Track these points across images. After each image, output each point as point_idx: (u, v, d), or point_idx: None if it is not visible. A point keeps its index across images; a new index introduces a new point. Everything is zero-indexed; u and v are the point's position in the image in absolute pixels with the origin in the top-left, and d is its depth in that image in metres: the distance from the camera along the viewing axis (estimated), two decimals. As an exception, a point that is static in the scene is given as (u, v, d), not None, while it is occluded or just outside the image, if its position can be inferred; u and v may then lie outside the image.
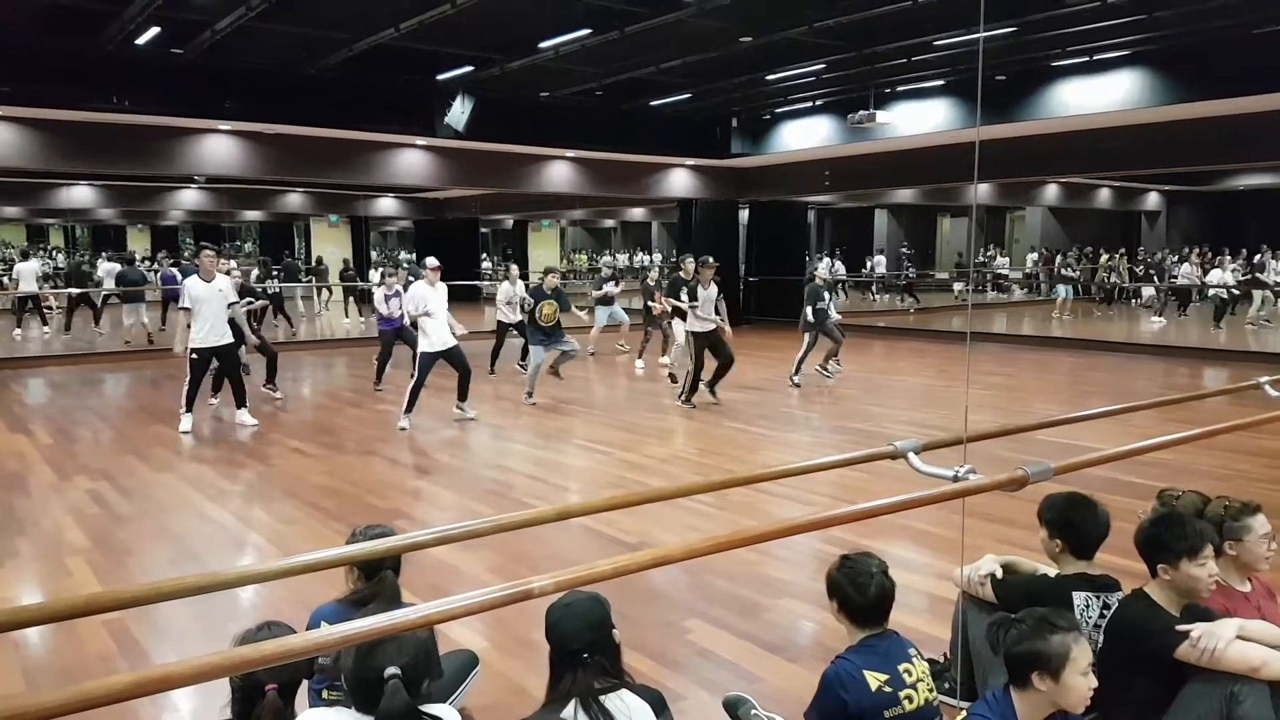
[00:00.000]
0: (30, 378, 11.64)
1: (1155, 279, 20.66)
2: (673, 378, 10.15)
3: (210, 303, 7.66)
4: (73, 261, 21.75)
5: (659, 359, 11.61)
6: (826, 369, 10.25)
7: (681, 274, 9.76)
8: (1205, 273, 19.63)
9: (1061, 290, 19.50)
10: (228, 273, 9.21)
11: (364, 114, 12.55)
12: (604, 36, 9.97)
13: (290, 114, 12.08)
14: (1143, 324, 17.84)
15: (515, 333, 11.10)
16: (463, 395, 8.29)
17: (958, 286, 26.42)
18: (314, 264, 23.36)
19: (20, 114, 11.04)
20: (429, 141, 13.73)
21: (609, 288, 12.72)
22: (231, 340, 7.97)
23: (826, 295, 10.07)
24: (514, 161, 15.19)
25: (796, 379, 9.98)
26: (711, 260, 9.08)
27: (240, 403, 8.15)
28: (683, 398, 8.95)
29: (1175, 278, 19.81)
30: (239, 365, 8.29)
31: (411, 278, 11.00)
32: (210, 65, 11.22)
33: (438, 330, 7.90)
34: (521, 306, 9.59)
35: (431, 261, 8.23)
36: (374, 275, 21.76)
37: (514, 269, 11.68)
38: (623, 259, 32.80)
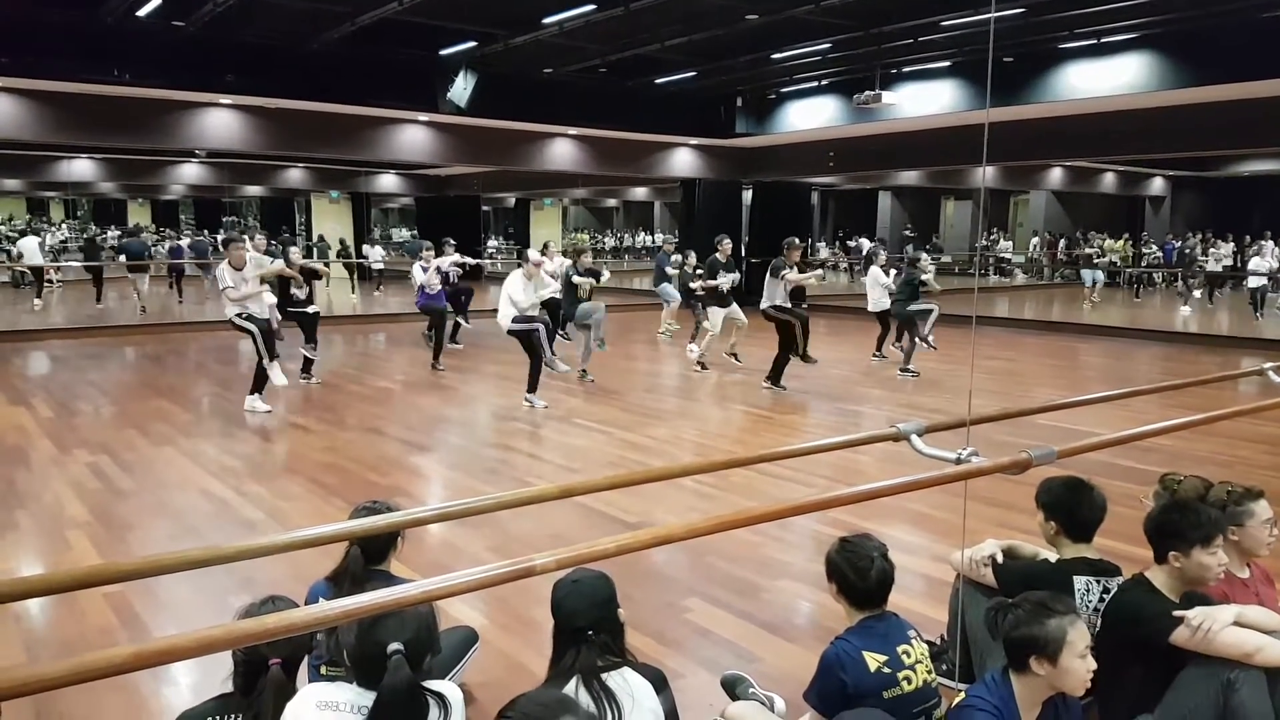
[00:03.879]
0: (31, 351, 11.64)
1: (1188, 265, 20.36)
2: (734, 356, 10.19)
3: (239, 289, 7.67)
4: (86, 236, 21.90)
5: (688, 344, 11.50)
6: (907, 365, 9.85)
7: (719, 255, 9.75)
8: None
9: (1088, 276, 19.11)
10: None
11: (366, 89, 12.47)
12: (609, 12, 9.89)
13: (292, 88, 12.00)
14: (1175, 311, 17.66)
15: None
16: (532, 386, 8.06)
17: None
18: (315, 241, 23.34)
19: (20, 85, 10.97)
20: (431, 118, 13.65)
21: (673, 261, 12.55)
22: (266, 317, 7.99)
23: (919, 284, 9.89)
24: (517, 139, 15.11)
25: (909, 367, 9.90)
26: (798, 241, 9.13)
27: (255, 388, 7.87)
28: (769, 382, 8.86)
29: (1203, 264, 19.64)
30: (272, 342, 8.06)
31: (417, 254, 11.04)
32: (212, 39, 11.14)
33: (516, 311, 7.90)
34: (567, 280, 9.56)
35: (534, 255, 8.37)
36: (370, 251, 21.72)
37: (551, 245, 11.50)
38: (651, 239, 32.29)
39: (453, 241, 11.52)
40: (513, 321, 7.91)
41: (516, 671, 3.17)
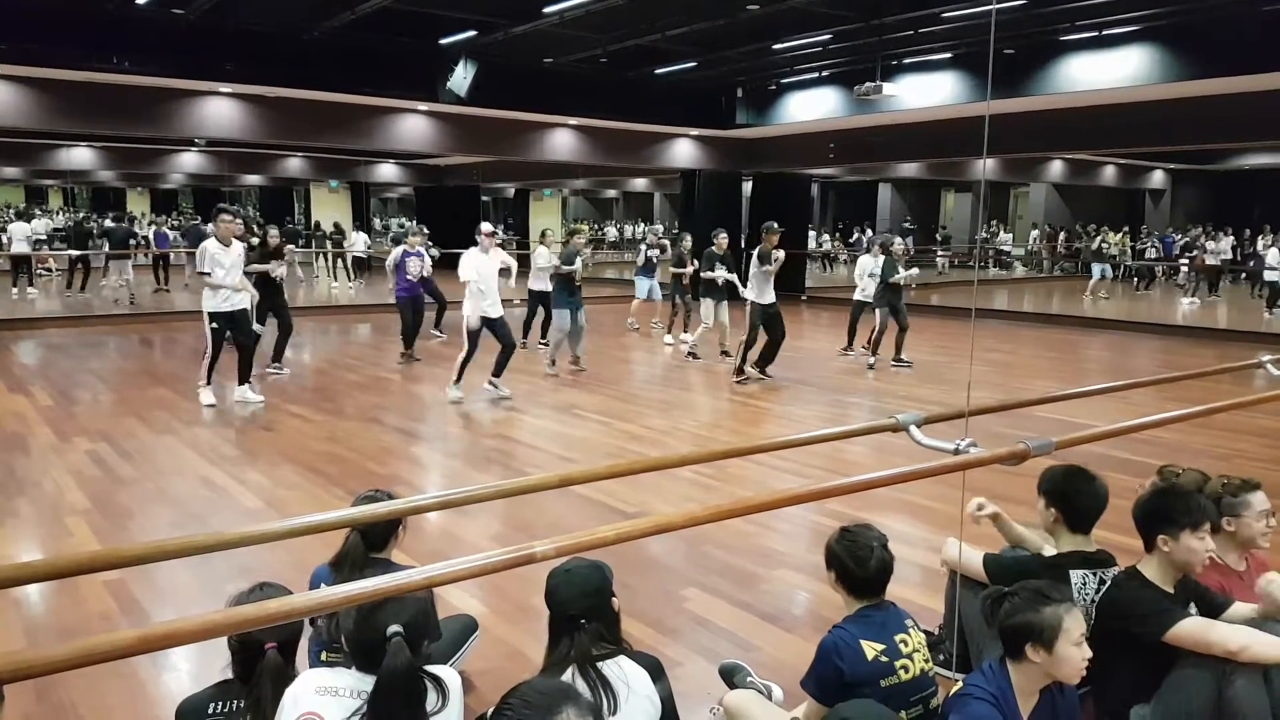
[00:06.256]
0: (29, 339, 11.63)
1: (1188, 258, 20.14)
2: (726, 354, 10.10)
3: (229, 268, 7.35)
4: (73, 221, 21.72)
5: (679, 335, 11.49)
6: (900, 358, 9.90)
7: (715, 248, 9.72)
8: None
9: (1097, 270, 18.79)
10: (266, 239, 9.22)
11: (366, 78, 12.42)
12: (609, 2, 9.84)
13: (291, 77, 11.96)
14: (1175, 304, 17.65)
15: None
16: (498, 371, 8.01)
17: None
18: (315, 229, 23.32)
19: (19, 73, 10.92)
20: (431, 107, 13.62)
21: (653, 255, 12.63)
22: (246, 306, 7.67)
23: (899, 270, 9.77)
24: (516, 128, 15.07)
25: (871, 359, 9.85)
26: (776, 226, 8.87)
27: (244, 378, 7.78)
28: (736, 377, 8.81)
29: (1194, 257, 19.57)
30: (251, 334, 7.97)
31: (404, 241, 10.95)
32: (211, 26, 11.08)
33: (487, 299, 7.68)
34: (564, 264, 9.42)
35: (486, 227, 7.96)
36: (355, 239, 21.62)
37: (549, 234, 11.19)
38: (661, 229, 32.05)
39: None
40: (478, 313, 7.68)
41: (516, 659, 3.18)
